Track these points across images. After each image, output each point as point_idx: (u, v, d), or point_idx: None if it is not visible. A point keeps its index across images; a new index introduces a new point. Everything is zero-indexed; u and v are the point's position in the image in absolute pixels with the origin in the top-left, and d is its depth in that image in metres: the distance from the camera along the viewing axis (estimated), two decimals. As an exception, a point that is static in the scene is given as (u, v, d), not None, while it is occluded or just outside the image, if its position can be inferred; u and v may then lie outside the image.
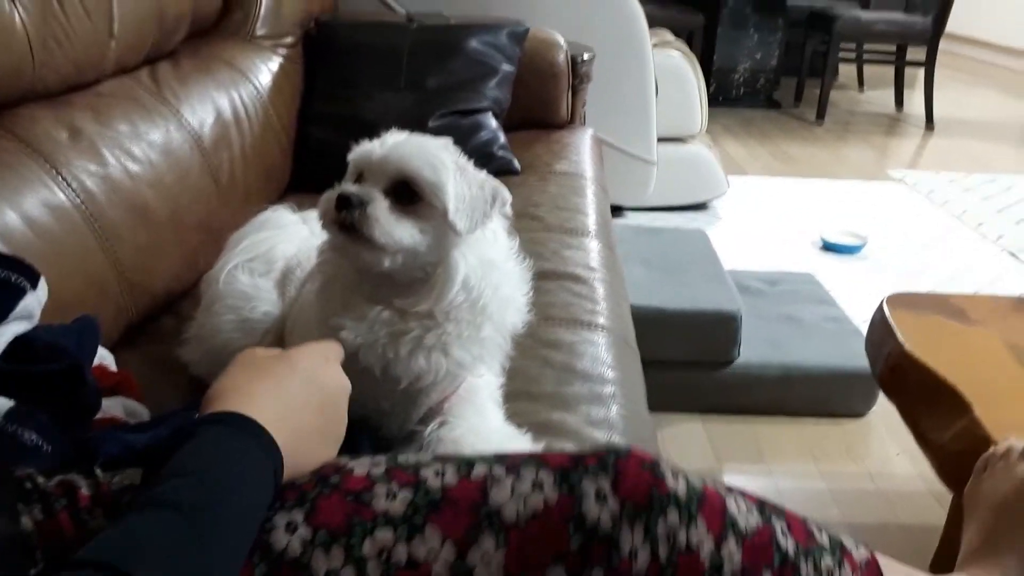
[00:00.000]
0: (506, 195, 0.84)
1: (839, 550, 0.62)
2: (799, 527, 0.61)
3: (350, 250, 0.80)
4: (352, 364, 0.78)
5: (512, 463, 0.58)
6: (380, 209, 0.77)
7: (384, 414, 0.84)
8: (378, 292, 0.81)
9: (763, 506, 0.61)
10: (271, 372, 0.61)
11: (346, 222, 0.77)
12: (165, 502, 0.47)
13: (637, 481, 0.56)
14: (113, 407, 0.74)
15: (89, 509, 0.53)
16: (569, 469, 0.57)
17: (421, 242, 0.79)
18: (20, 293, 0.68)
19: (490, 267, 0.84)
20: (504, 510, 0.55)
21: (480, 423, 0.86)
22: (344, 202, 0.77)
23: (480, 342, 0.85)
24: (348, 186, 0.80)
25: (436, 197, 0.79)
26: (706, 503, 0.57)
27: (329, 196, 0.79)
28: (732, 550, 0.56)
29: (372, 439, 0.81)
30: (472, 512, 0.55)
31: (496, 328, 0.86)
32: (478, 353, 0.85)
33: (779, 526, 0.60)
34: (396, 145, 0.82)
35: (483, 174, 0.85)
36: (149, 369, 1.04)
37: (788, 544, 0.59)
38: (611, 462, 0.57)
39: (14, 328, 0.67)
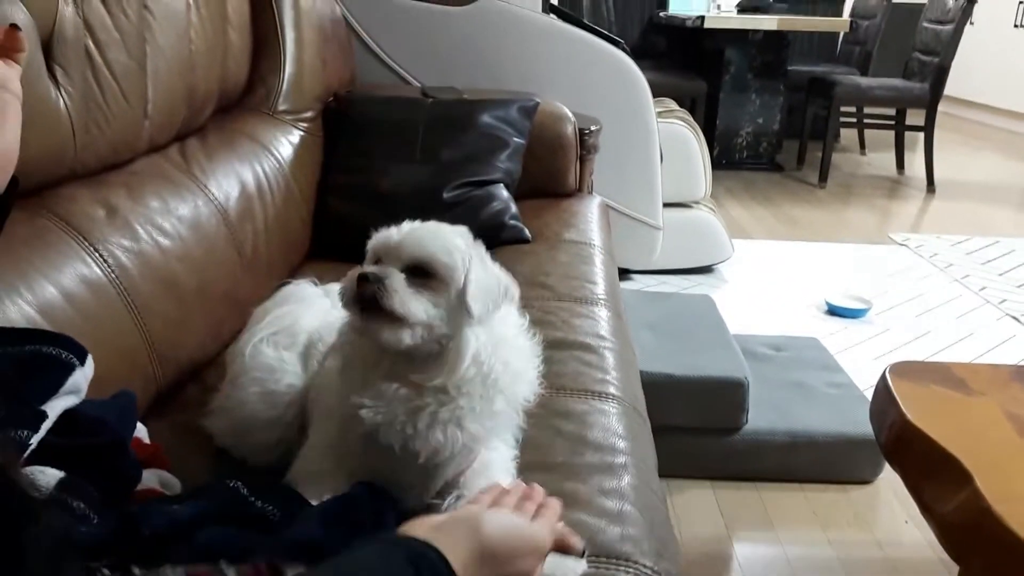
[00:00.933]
0: (516, 291, 0.90)
1: None
2: None
3: (371, 327, 0.83)
4: (372, 442, 0.83)
5: None
6: (398, 282, 0.82)
7: (404, 488, 0.87)
8: (395, 369, 0.85)
9: None
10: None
11: (366, 296, 0.81)
12: None
13: None
14: (150, 479, 0.78)
15: None
16: None
17: (435, 316, 0.83)
18: (70, 369, 0.72)
19: (501, 343, 0.88)
20: None
21: None
22: (363, 279, 0.82)
23: (493, 415, 0.88)
24: (367, 267, 0.85)
25: (449, 276, 0.84)
26: None
27: (350, 276, 0.84)
28: None
29: (397, 513, 0.84)
30: None
31: (508, 401, 0.89)
32: (491, 426, 0.89)
33: None
34: (413, 230, 0.87)
35: (497, 267, 0.90)
36: (176, 438, 1.07)
37: None
38: None
39: (63, 403, 0.71)
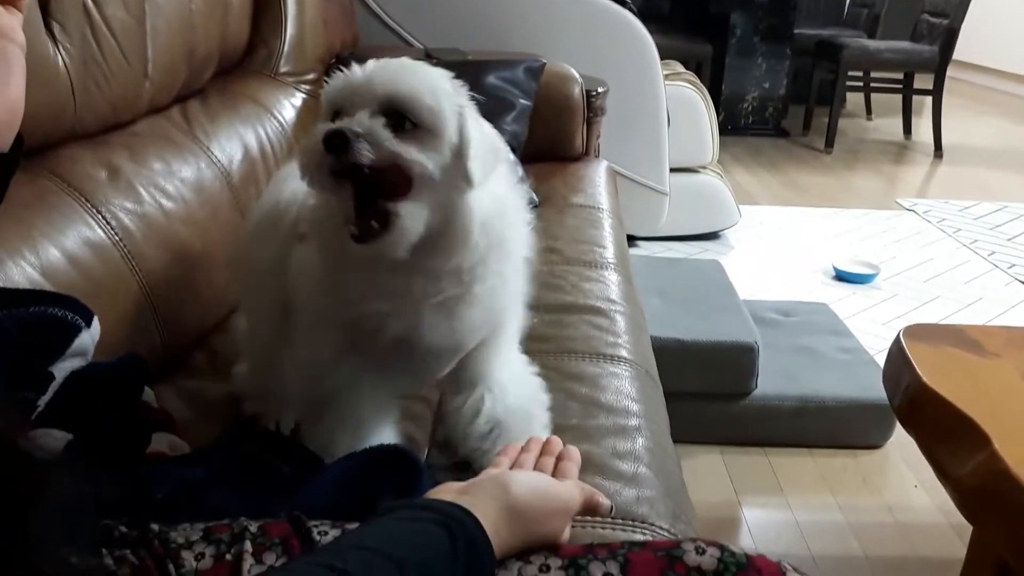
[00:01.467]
0: (506, 149, 0.79)
1: None
2: None
3: (365, 226, 0.66)
4: (379, 339, 0.73)
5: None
6: (381, 130, 0.64)
7: (414, 372, 0.82)
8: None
9: None
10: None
11: (343, 164, 0.63)
12: None
13: (648, 565, 0.57)
14: (159, 442, 0.77)
15: (162, 557, 0.56)
16: (578, 556, 0.60)
17: (435, 172, 0.68)
18: (76, 331, 0.71)
19: (501, 202, 0.77)
20: None
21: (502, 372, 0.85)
22: (334, 138, 0.63)
23: (504, 280, 0.78)
24: (330, 124, 0.65)
25: (438, 125, 0.67)
26: (750, 575, 0.57)
27: (311, 136, 0.65)
28: None
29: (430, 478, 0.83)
30: None
31: (516, 265, 0.81)
32: (509, 293, 0.80)
33: None
34: (383, 65, 0.68)
35: (484, 122, 0.76)
36: (183, 403, 1.06)
37: None
38: (622, 553, 0.59)
39: (70, 364, 0.70)
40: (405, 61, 0.70)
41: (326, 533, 0.60)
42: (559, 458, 0.75)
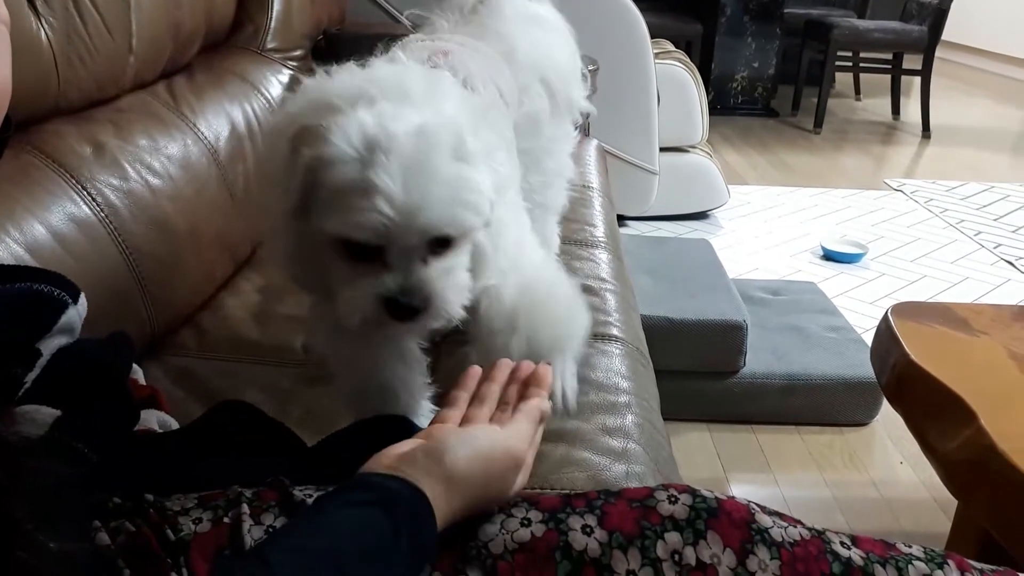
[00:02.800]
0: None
1: (941, 556, 0.60)
2: (871, 542, 0.61)
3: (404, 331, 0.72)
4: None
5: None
6: (438, 281, 0.66)
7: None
8: None
9: (815, 528, 0.61)
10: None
11: (402, 316, 0.67)
12: None
13: (623, 515, 0.58)
14: (148, 419, 0.76)
15: (159, 525, 0.55)
16: (557, 509, 0.60)
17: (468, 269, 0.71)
18: (62, 307, 0.70)
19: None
20: (492, 544, 0.58)
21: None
22: (395, 307, 0.66)
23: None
24: (389, 283, 0.66)
25: (478, 229, 0.70)
26: (720, 519, 0.58)
27: (365, 295, 0.66)
28: (764, 561, 0.57)
29: None
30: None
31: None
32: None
33: (837, 539, 0.60)
34: (422, 190, 0.64)
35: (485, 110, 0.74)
36: (171, 382, 1.06)
37: (851, 553, 0.58)
38: (598, 504, 0.60)
39: (57, 341, 0.69)
40: (439, 168, 0.65)
41: (311, 496, 0.60)
42: (525, 384, 0.70)
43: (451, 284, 0.68)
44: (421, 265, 0.66)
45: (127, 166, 1.16)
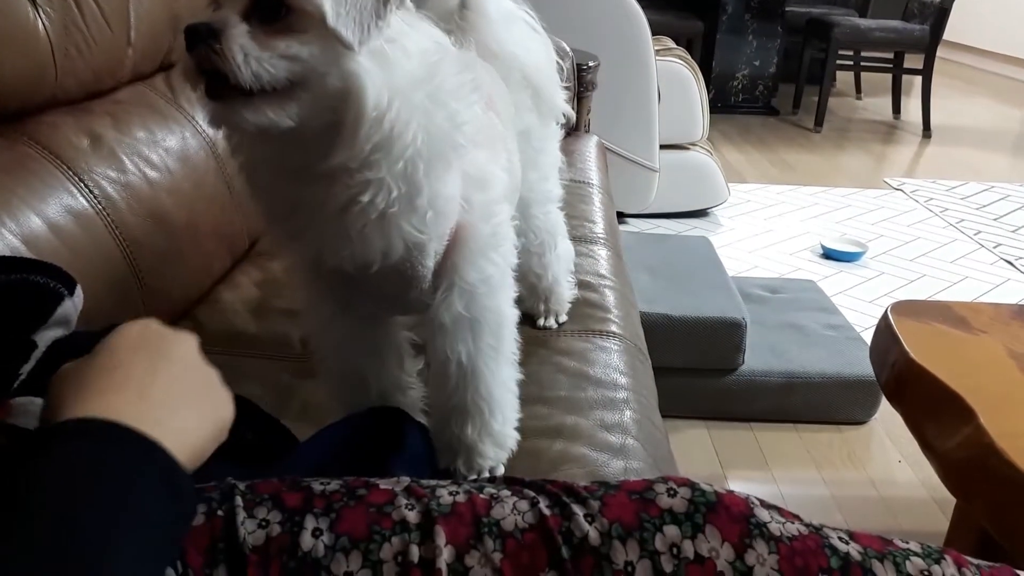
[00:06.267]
0: None
1: (938, 552, 0.60)
2: (869, 537, 0.60)
3: (220, 111, 0.62)
4: (321, 269, 0.72)
5: (517, 489, 0.61)
6: (238, 36, 0.59)
7: (396, 299, 0.77)
8: (292, 161, 0.66)
9: (813, 523, 0.61)
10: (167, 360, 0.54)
11: (204, 67, 0.60)
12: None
13: (623, 506, 0.58)
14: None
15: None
16: (562, 495, 0.60)
17: (304, 63, 0.61)
18: (59, 299, 0.69)
19: (411, 85, 0.65)
20: (503, 522, 0.57)
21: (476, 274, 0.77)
22: (191, 36, 0.59)
23: (419, 190, 0.67)
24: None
25: (309, 3, 0.60)
26: (719, 513, 0.58)
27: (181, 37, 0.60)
28: (762, 555, 0.57)
29: (423, 436, 0.82)
30: (474, 523, 0.57)
31: (454, 144, 0.69)
32: (428, 217, 0.69)
33: (834, 534, 0.59)
34: None
35: None
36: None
37: (849, 548, 0.58)
38: (599, 495, 0.59)
39: (53, 333, 0.68)
40: None
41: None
42: None
43: (254, 46, 0.59)
44: (236, 18, 0.60)
45: (124, 158, 1.16)
